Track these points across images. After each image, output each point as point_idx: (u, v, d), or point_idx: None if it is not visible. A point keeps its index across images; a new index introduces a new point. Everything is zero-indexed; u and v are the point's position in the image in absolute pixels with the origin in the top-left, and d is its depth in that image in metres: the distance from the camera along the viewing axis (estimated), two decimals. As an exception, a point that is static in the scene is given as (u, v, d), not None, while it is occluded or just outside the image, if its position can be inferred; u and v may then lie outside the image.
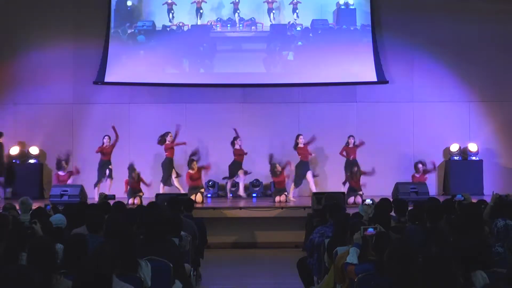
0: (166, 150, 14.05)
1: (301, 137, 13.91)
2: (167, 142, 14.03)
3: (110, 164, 14.03)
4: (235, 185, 14.42)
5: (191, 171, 13.73)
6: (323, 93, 15.59)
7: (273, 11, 15.56)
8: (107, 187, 13.73)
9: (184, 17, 15.57)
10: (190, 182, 13.70)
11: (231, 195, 14.41)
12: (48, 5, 15.58)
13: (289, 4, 15.56)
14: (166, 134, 14.07)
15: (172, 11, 15.55)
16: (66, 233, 6.85)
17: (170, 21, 15.52)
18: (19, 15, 15.54)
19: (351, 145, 14.18)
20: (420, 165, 14.38)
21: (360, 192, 13.30)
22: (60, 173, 14.16)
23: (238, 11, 15.57)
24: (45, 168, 15.29)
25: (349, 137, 14.27)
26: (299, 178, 13.77)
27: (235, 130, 14.31)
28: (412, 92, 15.63)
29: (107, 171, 13.95)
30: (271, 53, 15.66)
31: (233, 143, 14.19)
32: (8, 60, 15.61)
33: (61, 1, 15.68)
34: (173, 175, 13.97)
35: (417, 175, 14.37)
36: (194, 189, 13.53)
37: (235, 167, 14.12)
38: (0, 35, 15.57)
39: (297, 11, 15.54)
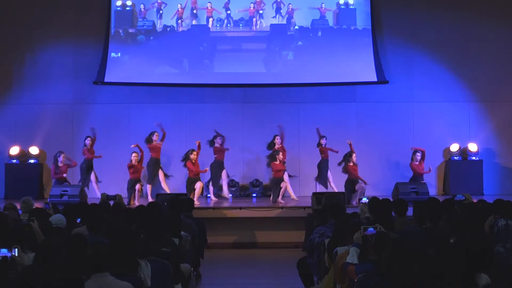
0: (151, 151, 13.88)
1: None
2: (153, 142, 13.87)
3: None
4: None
5: (192, 160, 13.59)
6: (323, 93, 15.59)
7: (260, 12, 15.54)
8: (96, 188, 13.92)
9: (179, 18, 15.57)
10: (190, 173, 13.61)
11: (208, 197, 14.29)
12: (48, 5, 15.57)
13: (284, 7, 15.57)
14: (152, 133, 13.94)
15: (161, 11, 15.55)
16: (66, 233, 6.85)
17: (158, 19, 15.52)
18: (19, 15, 15.52)
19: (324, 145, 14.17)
20: (418, 154, 14.31)
21: (363, 185, 13.29)
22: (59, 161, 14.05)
23: (229, 11, 15.57)
24: (45, 168, 15.27)
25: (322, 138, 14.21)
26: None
27: (215, 131, 14.20)
28: (412, 92, 15.62)
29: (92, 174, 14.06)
30: (271, 53, 15.66)
31: (212, 142, 14.08)
32: (8, 60, 15.59)
33: (61, 1, 15.67)
34: (161, 176, 13.89)
35: (416, 163, 14.25)
36: (194, 181, 13.50)
37: (218, 167, 14.07)
38: (0, 35, 15.56)
39: (281, 11, 15.53)
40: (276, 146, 13.84)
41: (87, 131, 14.57)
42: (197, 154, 13.68)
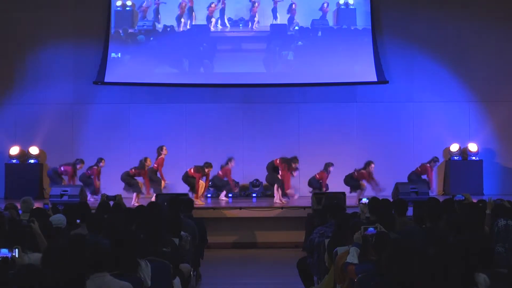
0: (157, 162, 13.63)
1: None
2: (162, 155, 13.66)
3: None
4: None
5: (207, 174, 13.61)
6: (323, 93, 15.59)
7: (257, 13, 15.56)
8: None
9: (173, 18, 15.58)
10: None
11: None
12: (49, 5, 15.58)
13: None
14: (161, 148, 13.69)
15: (159, 14, 15.55)
16: (66, 233, 6.85)
17: (157, 19, 15.53)
18: (19, 15, 15.52)
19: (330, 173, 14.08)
20: (438, 163, 14.46)
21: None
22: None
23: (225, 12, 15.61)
24: (45, 168, 15.27)
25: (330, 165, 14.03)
26: None
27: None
28: (412, 92, 15.62)
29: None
30: (271, 53, 15.66)
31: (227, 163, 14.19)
32: (8, 60, 15.60)
33: (62, 1, 15.67)
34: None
35: (429, 165, 14.33)
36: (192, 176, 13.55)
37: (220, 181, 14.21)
38: (0, 35, 15.57)
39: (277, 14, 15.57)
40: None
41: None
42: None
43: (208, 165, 13.59)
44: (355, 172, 13.67)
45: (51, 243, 5.02)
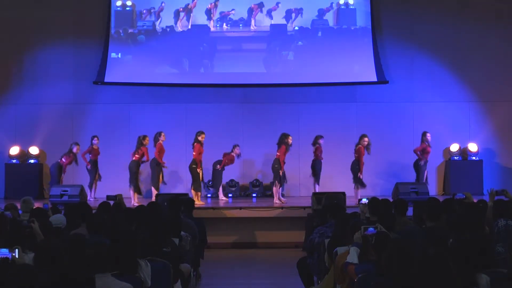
0: (157, 150, 13.57)
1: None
2: (159, 141, 13.57)
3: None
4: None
5: (201, 142, 13.62)
6: (323, 93, 15.60)
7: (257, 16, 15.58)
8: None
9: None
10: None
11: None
12: (48, 5, 15.58)
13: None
14: (159, 133, 13.61)
15: (160, 18, 15.57)
16: (66, 233, 6.85)
17: (156, 21, 15.55)
18: (19, 15, 15.52)
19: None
20: (428, 134, 14.28)
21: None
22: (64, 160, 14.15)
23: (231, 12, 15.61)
24: (45, 168, 15.27)
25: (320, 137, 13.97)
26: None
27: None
28: (412, 92, 15.62)
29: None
30: (271, 53, 15.67)
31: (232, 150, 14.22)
32: (8, 60, 15.60)
33: (61, 1, 15.67)
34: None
35: (426, 143, 14.20)
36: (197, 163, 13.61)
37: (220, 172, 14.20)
38: (0, 35, 15.57)
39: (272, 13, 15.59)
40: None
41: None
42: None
43: (200, 132, 13.56)
44: (355, 152, 13.60)
45: (42, 243, 5.02)
